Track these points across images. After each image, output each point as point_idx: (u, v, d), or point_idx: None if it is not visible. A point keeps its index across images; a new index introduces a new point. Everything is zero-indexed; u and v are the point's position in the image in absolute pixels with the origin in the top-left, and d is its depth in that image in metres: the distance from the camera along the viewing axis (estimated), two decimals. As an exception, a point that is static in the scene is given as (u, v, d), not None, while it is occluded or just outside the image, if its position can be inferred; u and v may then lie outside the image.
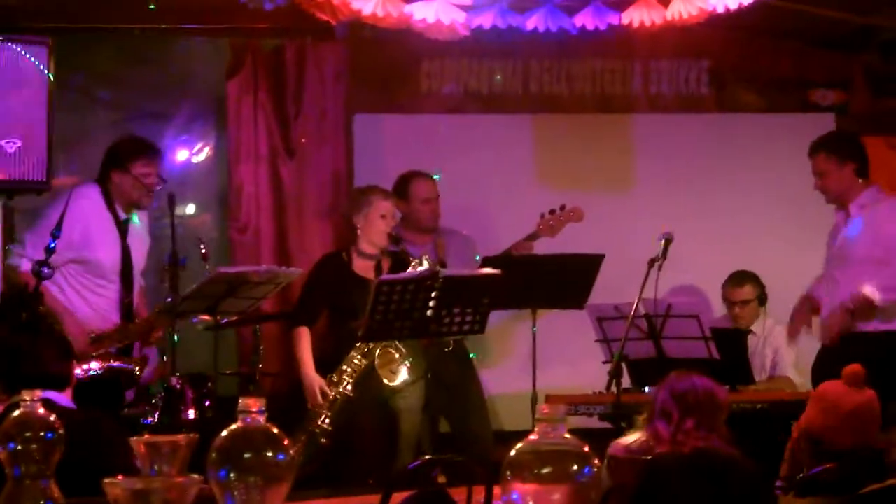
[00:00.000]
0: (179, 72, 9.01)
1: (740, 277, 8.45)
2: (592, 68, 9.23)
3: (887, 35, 8.98)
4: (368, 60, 9.00)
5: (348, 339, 7.41)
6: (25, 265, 6.91)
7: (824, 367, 6.96)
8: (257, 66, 8.74)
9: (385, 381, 7.41)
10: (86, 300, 7.08)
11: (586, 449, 1.87)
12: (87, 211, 7.06)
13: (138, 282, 7.32)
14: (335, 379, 7.47)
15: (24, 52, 6.60)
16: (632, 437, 5.15)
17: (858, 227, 7.34)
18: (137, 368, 6.86)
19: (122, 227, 7.20)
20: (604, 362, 7.21)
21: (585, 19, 7.88)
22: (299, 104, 8.78)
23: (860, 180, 7.37)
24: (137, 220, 7.39)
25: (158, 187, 7.27)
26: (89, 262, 6.97)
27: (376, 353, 7.42)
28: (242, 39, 8.77)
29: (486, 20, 7.87)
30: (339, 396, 7.46)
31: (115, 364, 6.77)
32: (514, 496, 1.85)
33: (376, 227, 7.58)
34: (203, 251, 7.15)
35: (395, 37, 8.45)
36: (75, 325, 6.88)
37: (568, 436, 1.88)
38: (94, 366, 6.63)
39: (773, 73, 9.29)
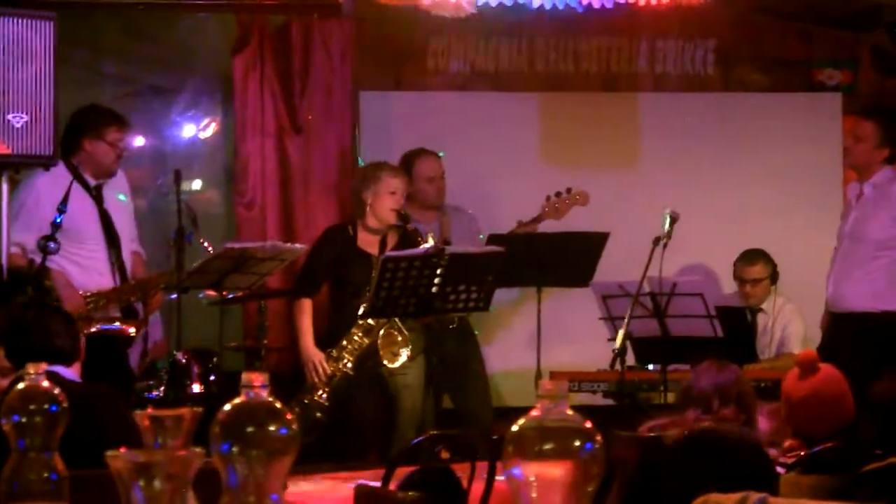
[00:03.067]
0: (185, 47, 9.00)
1: (753, 256, 8.45)
2: (598, 47, 9.21)
3: (894, 14, 8.97)
4: (375, 38, 8.99)
5: (350, 315, 7.43)
6: (14, 249, 6.91)
7: (829, 348, 6.97)
8: (263, 43, 8.73)
9: (386, 362, 7.43)
10: (78, 265, 7.06)
11: (588, 425, 1.88)
12: (54, 186, 6.93)
13: (129, 247, 7.28)
14: (335, 354, 7.49)
15: (29, 27, 6.60)
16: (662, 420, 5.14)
17: (871, 206, 7.34)
18: (133, 329, 6.87)
19: (95, 194, 7.17)
20: (608, 340, 7.23)
21: (592, -3, 7.89)
22: (305, 81, 8.77)
23: (884, 164, 7.36)
24: (122, 196, 7.37)
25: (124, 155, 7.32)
26: (68, 230, 6.78)
27: (380, 333, 7.43)
28: (248, 15, 8.76)
29: (492, -3, 7.88)
30: (337, 373, 7.48)
31: (106, 326, 6.79)
32: (516, 472, 1.86)
33: (385, 203, 7.58)
34: (193, 226, 7.20)
35: (402, 14, 8.47)
36: (69, 286, 6.91)
37: (570, 412, 1.89)
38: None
39: (780, 52, 9.27)
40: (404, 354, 7.42)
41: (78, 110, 7.36)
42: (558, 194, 8.02)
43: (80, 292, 6.94)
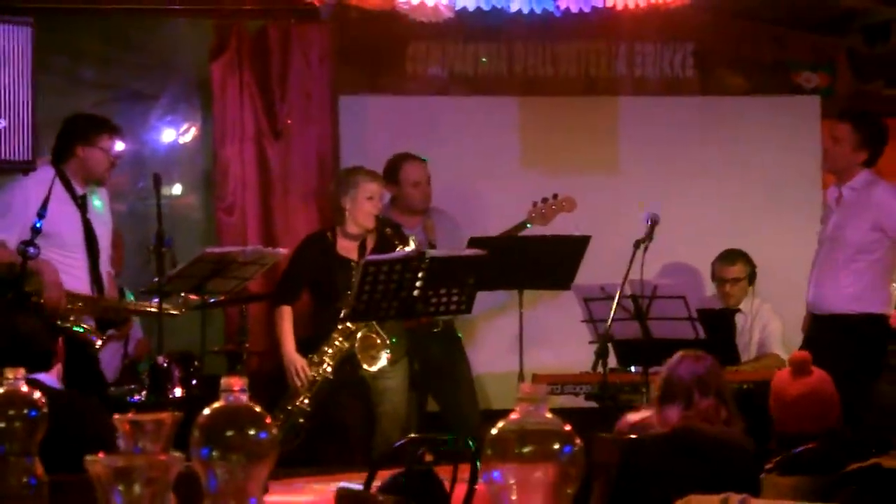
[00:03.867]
0: (164, 53, 8.99)
1: (731, 255, 8.47)
2: (577, 50, 9.22)
3: (870, 18, 9.00)
4: (353, 42, 8.98)
5: (331, 319, 7.43)
6: None
7: (810, 350, 6.98)
8: (242, 48, 8.72)
9: (364, 365, 7.42)
10: (60, 270, 6.98)
11: (567, 428, 1.88)
12: (44, 189, 6.76)
13: (105, 264, 7.22)
14: (316, 359, 7.49)
15: (7, 33, 6.57)
16: (641, 414, 5.14)
17: (851, 209, 7.34)
18: (98, 341, 6.79)
19: (80, 203, 7.10)
20: (590, 342, 7.23)
21: (569, 1, 7.89)
22: (284, 85, 8.77)
23: (862, 167, 7.37)
24: (98, 203, 7.29)
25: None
26: (50, 235, 6.66)
27: (357, 337, 7.43)
28: (226, 21, 8.75)
29: (470, 2, 7.88)
30: (318, 377, 7.48)
31: (76, 328, 6.68)
32: (496, 475, 1.86)
33: (363, 208, 7.58)
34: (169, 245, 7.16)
35: (380, 18, 8.46)
36: (56, 278, 6.74)
37: (549, 415, 1.89)
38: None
39: (758, 55, 9.29)
40: (383, 357, 7.42)
41: (71, 117, 7.27)
42: (544, 200, 8.01)
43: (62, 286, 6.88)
